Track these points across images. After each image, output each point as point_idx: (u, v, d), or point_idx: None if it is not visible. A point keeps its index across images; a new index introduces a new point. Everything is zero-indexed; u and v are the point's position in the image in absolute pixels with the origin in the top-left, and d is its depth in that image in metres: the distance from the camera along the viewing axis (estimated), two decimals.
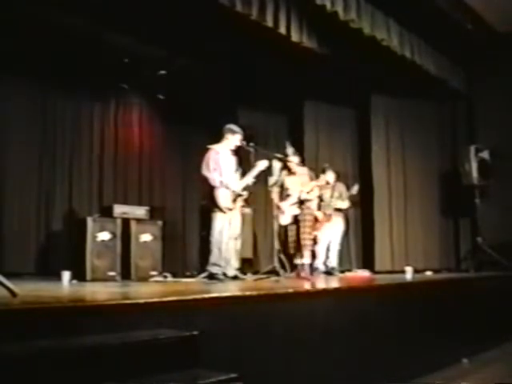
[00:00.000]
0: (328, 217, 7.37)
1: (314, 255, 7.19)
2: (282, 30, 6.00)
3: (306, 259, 6.86)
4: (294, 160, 7.04)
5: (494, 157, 8.14)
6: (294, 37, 6.18)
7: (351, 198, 7.56)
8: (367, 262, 8.37)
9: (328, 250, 7.48)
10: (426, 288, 5.36)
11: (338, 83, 7.95)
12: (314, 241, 7.17)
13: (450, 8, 7.06)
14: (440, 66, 7.89)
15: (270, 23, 5.83)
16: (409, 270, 6.82)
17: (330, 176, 7.46)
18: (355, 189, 7.48)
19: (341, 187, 7.53)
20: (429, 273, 7.70)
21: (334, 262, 7.48)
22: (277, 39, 6.21)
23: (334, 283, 5.57)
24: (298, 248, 6.85)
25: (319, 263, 7.36)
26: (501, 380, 4.23)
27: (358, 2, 6.35)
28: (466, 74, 8.60)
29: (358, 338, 3.89)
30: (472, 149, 8.15)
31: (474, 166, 8.08)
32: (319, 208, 7.31)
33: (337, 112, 8.87)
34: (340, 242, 7.57)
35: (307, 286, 4.88)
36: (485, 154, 8.16)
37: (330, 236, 7.47)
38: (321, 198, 7.36)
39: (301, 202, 6.84)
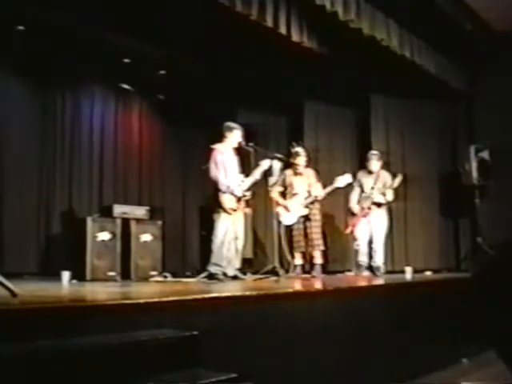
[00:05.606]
0: (366, 211, 6.88)
1: (325, 256, 7.05)
2: (283, 29, 6.00)
3: (318, 259, 6.81)
4: (301, 161, 6.96)
5: (494, 157, 8.14)
6: (295, 37, 6.17)
7: (395, 191, 6.99)
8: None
9: (370, 247, 6.91)
10: (426, 288, 5.36)
11: (338, 83, 7.94)
12: (325, 240, 6.98)
13: (449, 8, 7.06)
14: (440, 66, 7.88)
15: (270, 23, 5.83)
16: (409, 270, 6.82)
17: (374, 164, 7.03)
18: (397, 181, 6.89)
19: (386, 177, 7.00)
20: (429, 273, 7.68)
21: (378, 261, 6.88)
22: (277, 39, 6.21)
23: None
24: (307, 248, 6.78)
25: (363, 261, 6.94)
26: (501, 380, 4.23)
27: (358, 2, 6.34)
28: (466, 73, 8.60)
29: (358, 337, 3.89)
30: (472, 149, 8.13)
31: (474, 166, 8.07)
32: (358, 201, 6.94)
33: (337, 112, 8.85)
34: (383, 239, 6.98)
35: (307, 286, 4.88)
36: (485, 154, 8.14)
37: (370, 232, 6.92)
38: (362, 189, 6.97)
39: (311, 202, 6.78)
